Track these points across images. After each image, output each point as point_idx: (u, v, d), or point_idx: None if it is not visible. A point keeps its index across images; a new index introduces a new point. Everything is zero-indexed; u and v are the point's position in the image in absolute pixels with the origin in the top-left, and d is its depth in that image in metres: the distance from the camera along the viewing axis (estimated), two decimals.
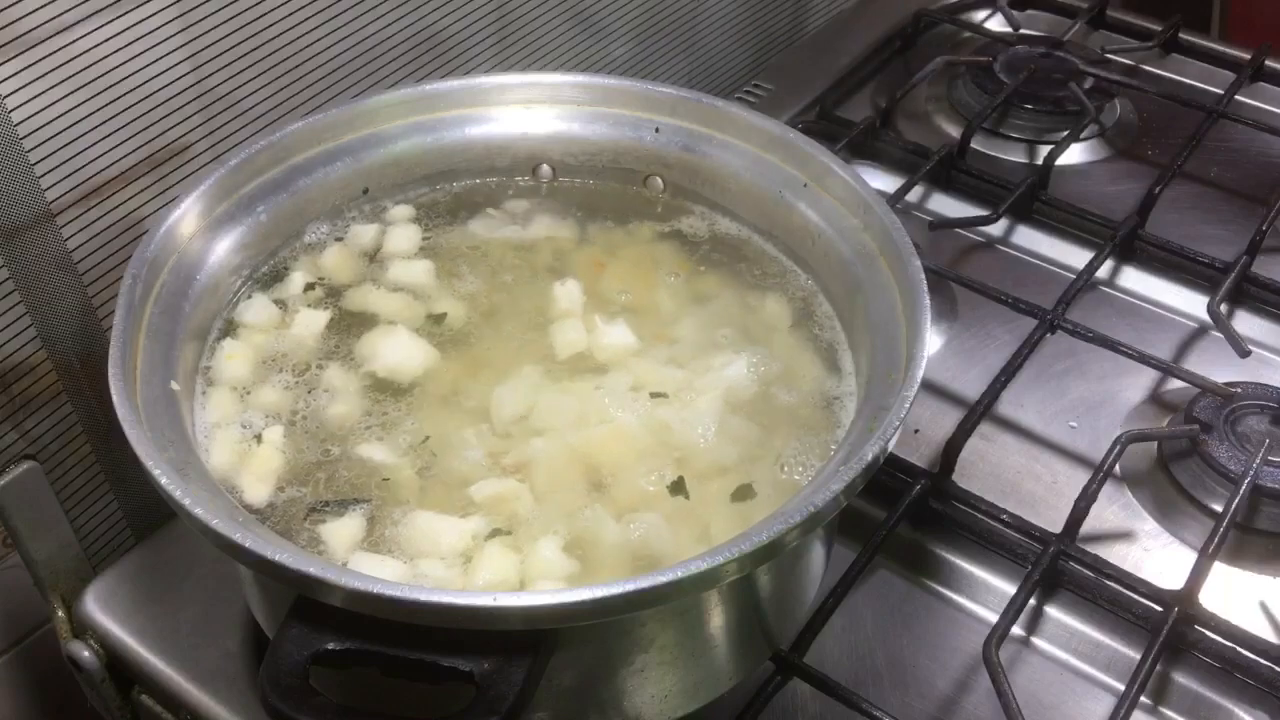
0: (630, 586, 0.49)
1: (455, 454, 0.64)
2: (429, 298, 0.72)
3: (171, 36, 0.72)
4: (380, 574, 0.55)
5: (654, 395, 0.66)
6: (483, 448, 0.64)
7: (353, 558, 0.59)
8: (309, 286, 0.72)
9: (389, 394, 0.67)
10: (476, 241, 0.76)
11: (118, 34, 0.69)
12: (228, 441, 0.63)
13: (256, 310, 0.70)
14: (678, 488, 0.62)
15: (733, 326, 0.71)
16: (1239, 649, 0.69)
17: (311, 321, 0.70)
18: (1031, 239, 0.98)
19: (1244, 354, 0.83)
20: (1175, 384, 0.84)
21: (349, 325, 0.70)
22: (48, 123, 0.68)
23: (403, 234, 0.75)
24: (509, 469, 0.63)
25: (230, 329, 0.69)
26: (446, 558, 0.59)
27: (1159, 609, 0.69)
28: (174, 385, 0.62)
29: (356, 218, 0.76)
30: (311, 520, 0.60)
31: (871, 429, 0.57)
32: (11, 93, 0.65)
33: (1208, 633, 0.69)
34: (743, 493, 0.62)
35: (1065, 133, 1.02)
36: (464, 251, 0.75)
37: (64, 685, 0.78)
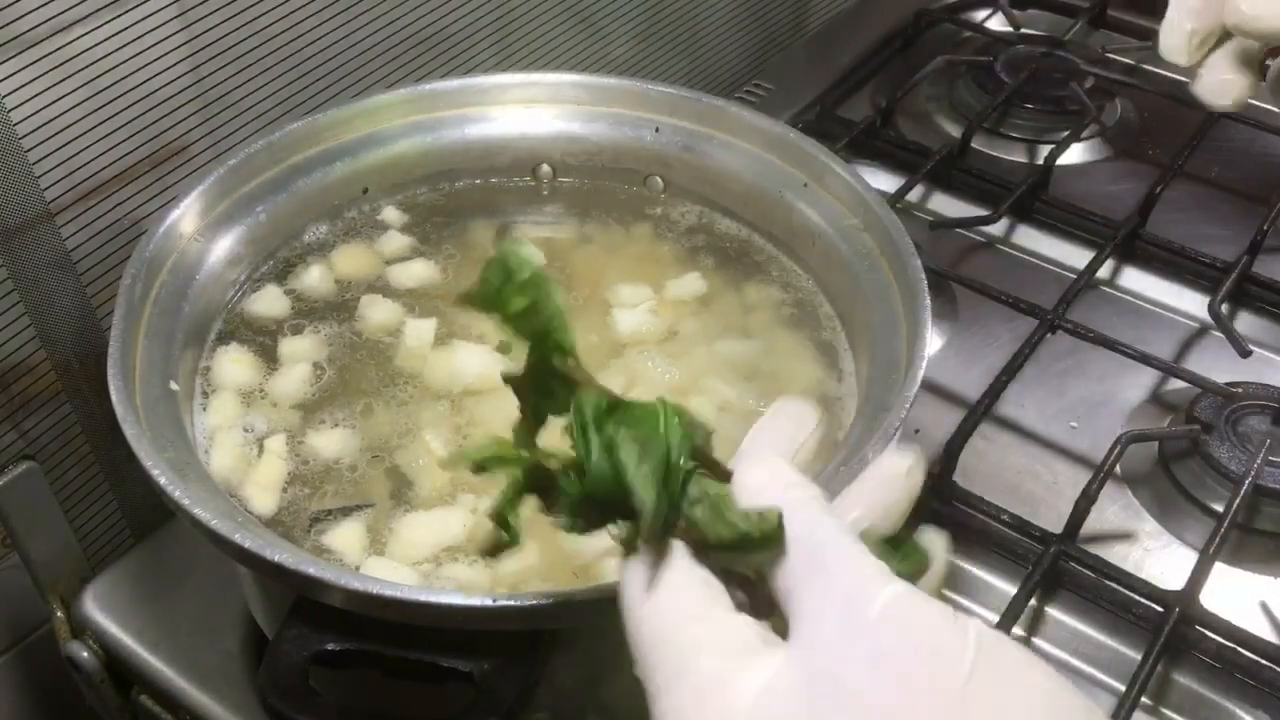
0: None
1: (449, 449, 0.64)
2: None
3: (171, 36, 0.72)
4: (397, 579, 0.55)
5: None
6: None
7: (367, 563, 0.58)
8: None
9: (393, 388, 0.67)
10: (475, 242, 0.76)
11: (117, 34, 0.69)
12: (228, 444, 0.63)
13: (266, 306, 0.70)
14: None
15: (732, 326, 0.71)
16: (1239, 649, 0.69)
17: (422, 331, 0.69)
18: (1032, 239, 0.98)
19: (1245, 354, 0.83)
20: (1176, 384, 0.84)
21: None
22: (47, 122, 0.68)
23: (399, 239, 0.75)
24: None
25: (233, 331, 0.69)
26: (457, 552, 0.59)
27: (1160, 609, 0.69)
28: (174, 385, 0.61)
29: (357, 218, 0.76)
30: (315, 531, 0.60)
31: (871, 429, 0.57)
32: (11, 92, 0.65)
33: (1208, 633, 0.69)
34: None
35: (1066, 132, 1.02)
36: (463, 252, 0.76)
37: (63, 685, 0.78)
